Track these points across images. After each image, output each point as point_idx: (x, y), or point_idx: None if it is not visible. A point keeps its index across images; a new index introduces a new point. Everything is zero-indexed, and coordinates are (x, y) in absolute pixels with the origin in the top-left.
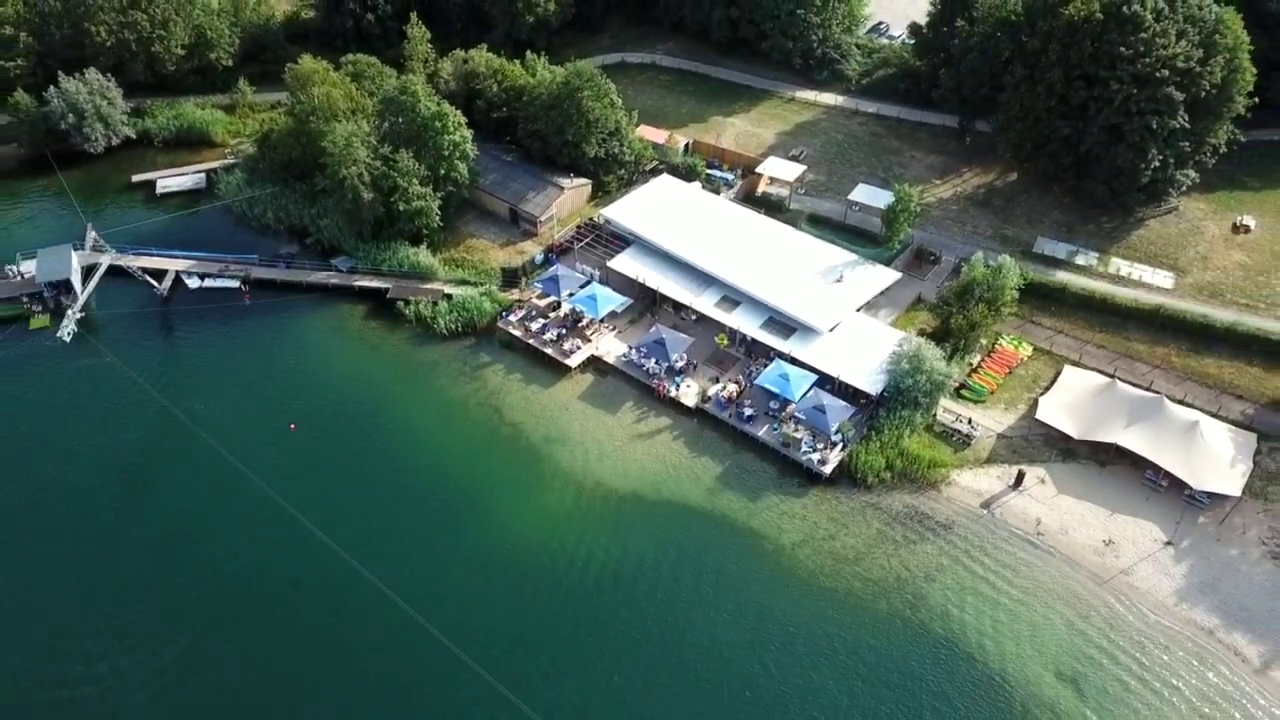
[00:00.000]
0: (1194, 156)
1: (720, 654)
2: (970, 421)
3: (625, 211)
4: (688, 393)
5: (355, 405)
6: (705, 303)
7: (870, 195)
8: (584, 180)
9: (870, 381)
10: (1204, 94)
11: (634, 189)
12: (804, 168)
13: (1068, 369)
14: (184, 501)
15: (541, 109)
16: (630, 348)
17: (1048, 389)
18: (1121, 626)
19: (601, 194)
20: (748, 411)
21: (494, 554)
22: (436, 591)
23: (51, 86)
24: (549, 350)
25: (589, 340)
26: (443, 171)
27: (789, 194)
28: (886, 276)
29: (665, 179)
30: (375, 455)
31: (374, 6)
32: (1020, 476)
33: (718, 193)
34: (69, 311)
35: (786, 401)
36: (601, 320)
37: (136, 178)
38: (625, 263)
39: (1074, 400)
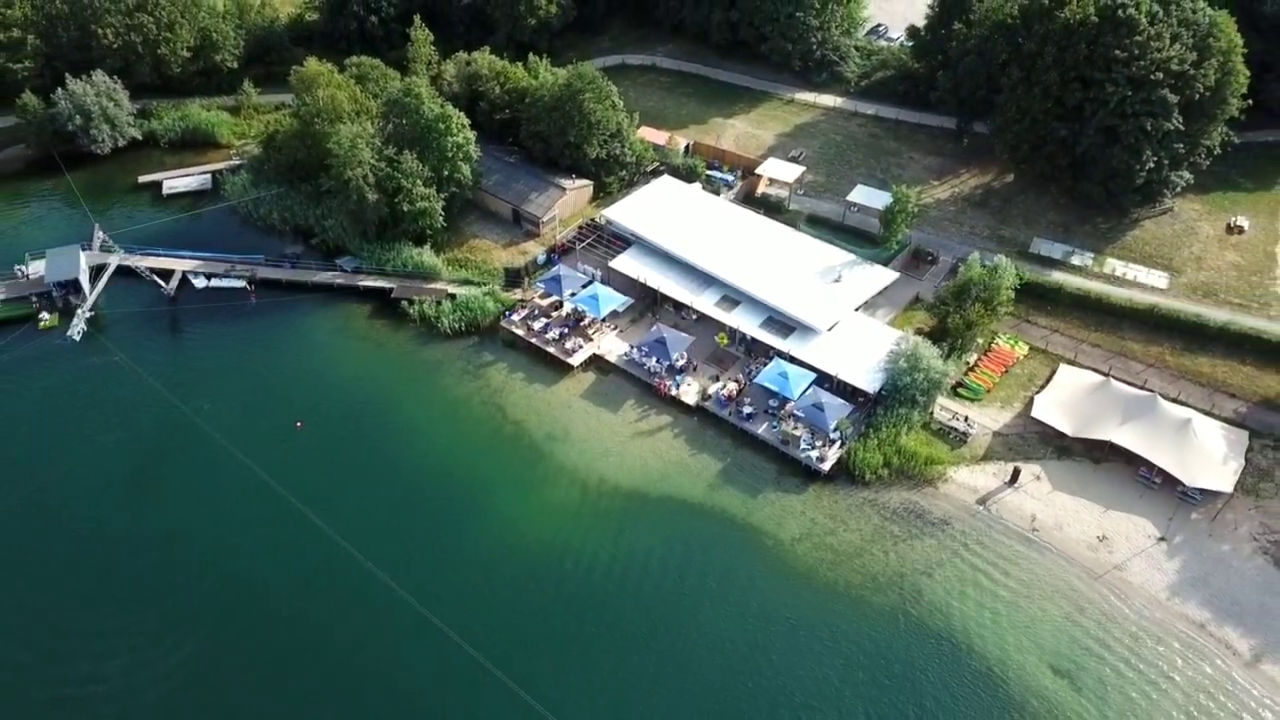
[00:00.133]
0: (1188, 158)
1: (722, 646)
2: (967, 419)
3: (626, 212)
4: (688, 391)
5: (360, 403)
6: (705, 302)
7: (868, 196)
8: (586, 181)
9: (868, 380)
10: (1198, 96)
11: (635, 190)
12: (803, 169)
13: (1063, 368)
14: (192, 498)
15: (544, 111)
16: (631, 347)
17: (1043, 387)
18: (1115, 620)
19: (603, 195)
20: (747, 409)
21: (497, 549)
22: (442, 587)
23: (59, 88)
24: (551, 349)
25: (591, 339)
26: (446, 173)
27: (788, 195)
28: (884, 276)
29: (666, 180)
30: (380, 453)
31: (377, 9)
32: (1016, 473)
33: (718, 194)
34: (79, 311)
35: (786, 399)
36: (603, 320)
37: (143, 178)
38: (626, 263)
39: (1069, 398)
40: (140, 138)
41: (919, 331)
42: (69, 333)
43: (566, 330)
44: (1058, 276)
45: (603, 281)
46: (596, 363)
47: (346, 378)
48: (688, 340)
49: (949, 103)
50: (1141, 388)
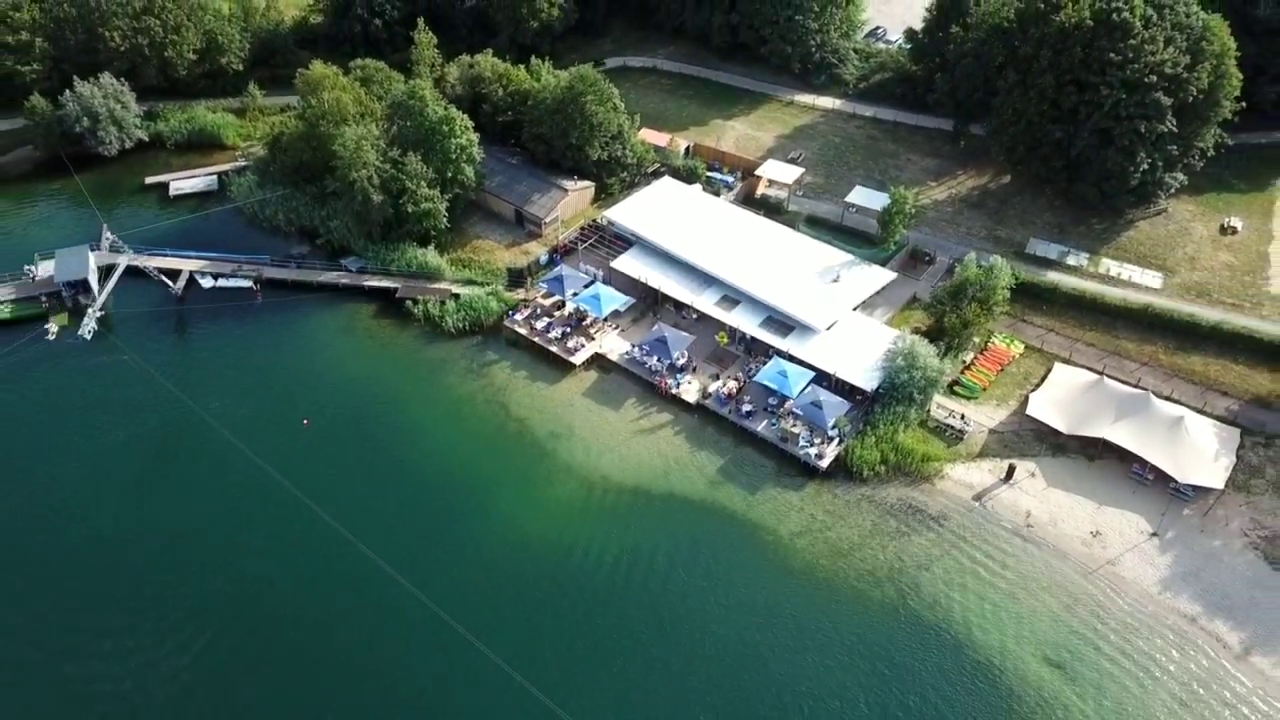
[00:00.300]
0: (1182, 160)
1: (722, 639)
2: (963, 417)
3: (628, 213)
4: (689, 389)
5: (366, 401)
6: (706, 302)
7: (867, 197)
8: (587, 183)
9: (866, 378)
10: (1191, 99)
11: (636, 191)
12: (802, 170)
13: (1058, 366)
14: (200, 495)
15: (546, 113)
16: (633, 346)
17: (1038, 386)
18: (1108, 613)
19: (604, 196)
20: (747, 407)
21: (501, 545)
22: (448, 582)
23: (67, 90)
24: (554, 348)
25: (593, 338)
26: (450, 174)
27: (787, 196)
28: (882, 276)
29: (667, 181)
30: (386, 450)
31: (381, 12)
32: (1011, 470)
33: (718, 195)
34: (90, 310)
35: (785, 398)
36: (605, 319)
37: (150, 180)
38: (628, 263)
39: (1064, 397)
40: (147, 139)
41: (916, 330)
42: (80, 331)
43: (569, 329)
44: (1053, 276)
45: (604, 281)
46: (598, 361)
47: (352, 376)
48: (688, 339)
49: (946, 105)
50: (1135, 386)
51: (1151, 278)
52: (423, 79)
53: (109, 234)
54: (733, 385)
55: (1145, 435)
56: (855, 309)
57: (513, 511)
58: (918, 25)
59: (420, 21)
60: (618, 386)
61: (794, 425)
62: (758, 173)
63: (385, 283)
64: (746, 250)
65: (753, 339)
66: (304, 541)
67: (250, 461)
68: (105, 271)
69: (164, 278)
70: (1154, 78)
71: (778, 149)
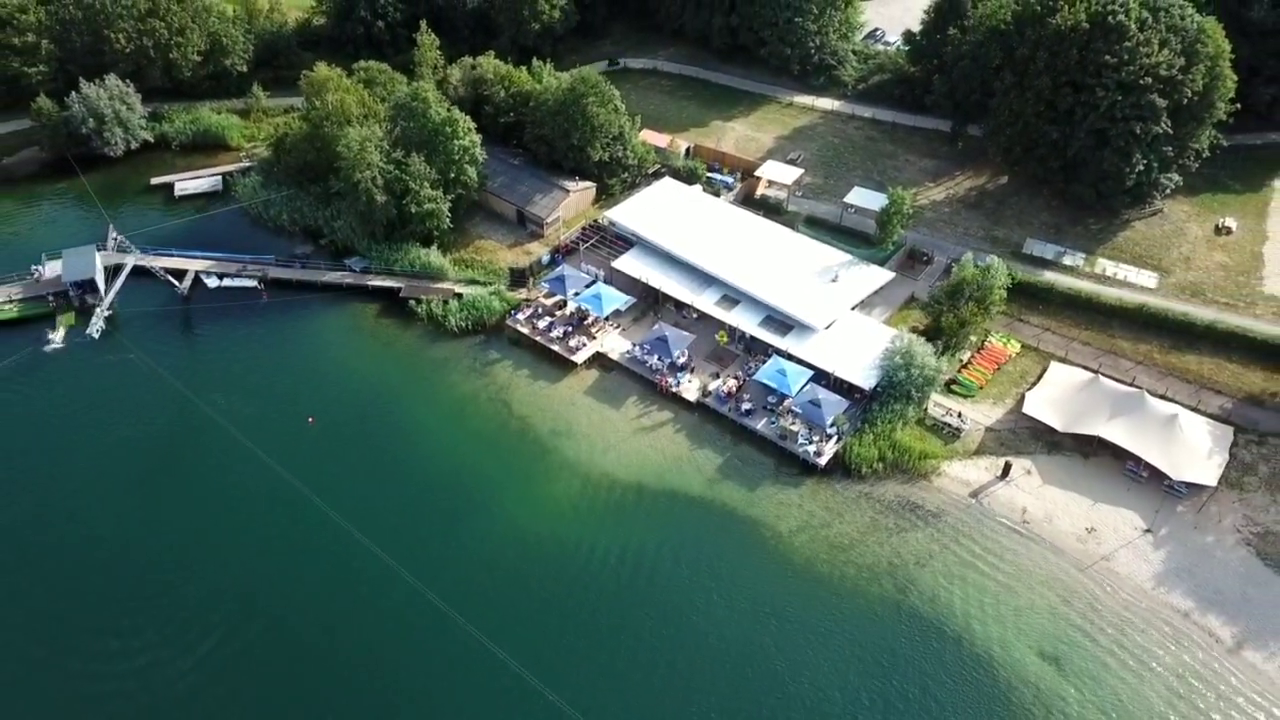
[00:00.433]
0: (1177, 161)
1: (721, 634)
2: (960, 415)
3: (628, 213)
4: (689, 388)
5: (370, 400)
6: (706, 301)
7: (865, 198)
8: (589, 183)
9: (864, 377)
10: (1186, 100)
11: (637, 192)
12: (801, 171)
13: (1054, 365)
14: (207, 492)
15: (548, 114)
16: (634, 345)
17: (1034, 384)
18: (1102, 609)
19: (605, 196)
20: (746, 406)
21: (503, 542)
22: (452, 578)
23: (72, 92)
24: (556, 347)
25: (594, 337)
26: (452, 175)
27: (787, 196)
28: (880, 276)
29: (667, 182)
30: (390, 447)
31: (384, 14)
32: (1007, 467)
33: (718, 195)
34: (97, 310)
35: (784, 396)
36: (606, 318)
37: (155, 180)
38: (629, 263)
39: (1059, 395)
40: (152, 140)
41: (914, 330)
42: (88, 330)
43: (570, 329)
44: (1049, 276)
45: (605, 281)
46: (599, 360)
47: (356, 374)
48: (688, 338)
49: (944, 106)
50: (1130, 384)
51: (1147, 277)
52: (425, 81)
53: (115, 234)
54: (732, 384)
55: (1140, 433)
56: (854, 308)
57: (516, 509)
58: (916, 27)
59: (422, 23)
60: (619, 385)
61: (793, 423)
62: (757, 173)
63: (389, 282)
64: (746, 250)
65: (752, 338)
66: (310, 539)
67: (256, 459)
68: (112, 271)
69: (170, 278)
70: (1149, 80)
71: (777, 150)
